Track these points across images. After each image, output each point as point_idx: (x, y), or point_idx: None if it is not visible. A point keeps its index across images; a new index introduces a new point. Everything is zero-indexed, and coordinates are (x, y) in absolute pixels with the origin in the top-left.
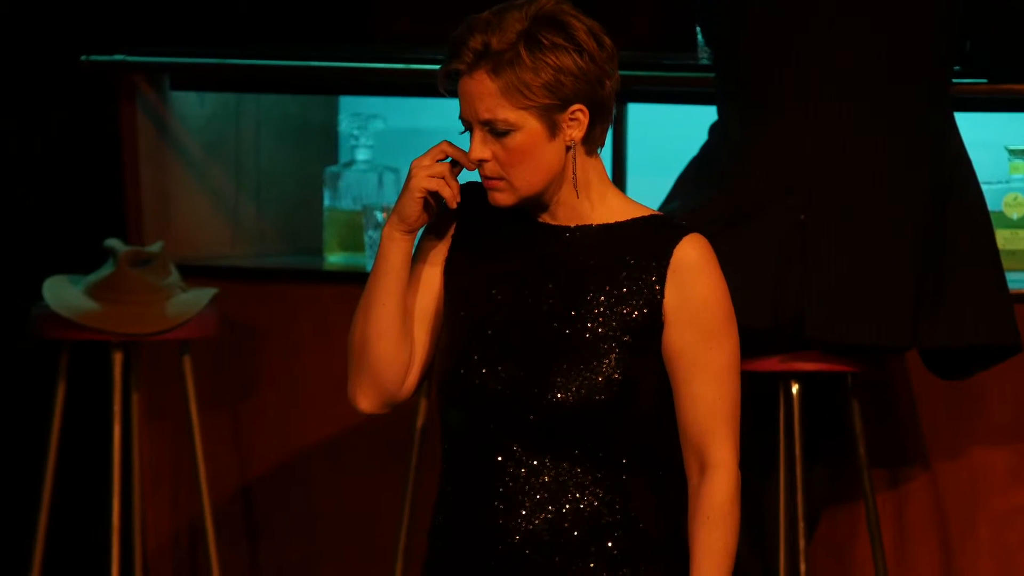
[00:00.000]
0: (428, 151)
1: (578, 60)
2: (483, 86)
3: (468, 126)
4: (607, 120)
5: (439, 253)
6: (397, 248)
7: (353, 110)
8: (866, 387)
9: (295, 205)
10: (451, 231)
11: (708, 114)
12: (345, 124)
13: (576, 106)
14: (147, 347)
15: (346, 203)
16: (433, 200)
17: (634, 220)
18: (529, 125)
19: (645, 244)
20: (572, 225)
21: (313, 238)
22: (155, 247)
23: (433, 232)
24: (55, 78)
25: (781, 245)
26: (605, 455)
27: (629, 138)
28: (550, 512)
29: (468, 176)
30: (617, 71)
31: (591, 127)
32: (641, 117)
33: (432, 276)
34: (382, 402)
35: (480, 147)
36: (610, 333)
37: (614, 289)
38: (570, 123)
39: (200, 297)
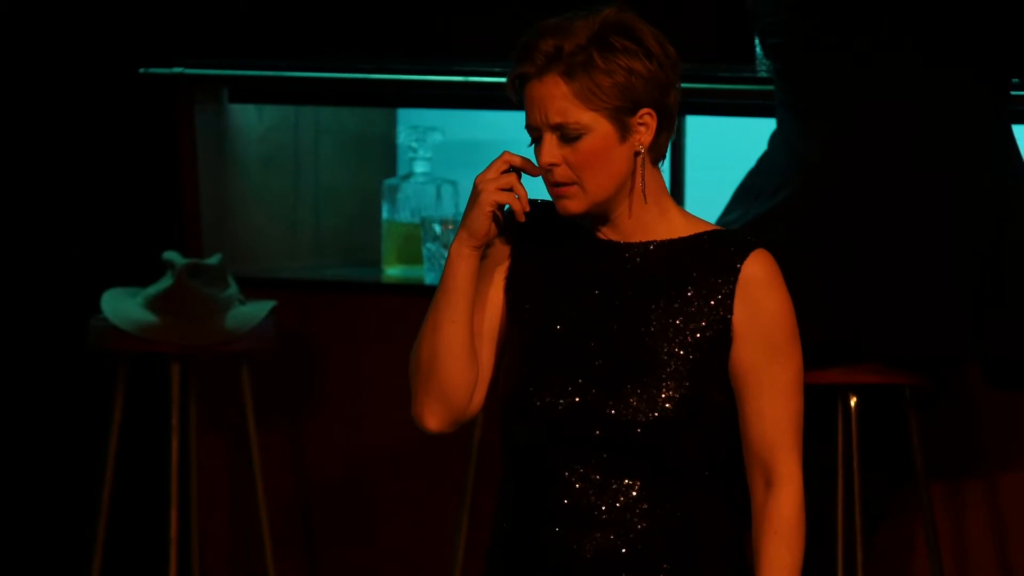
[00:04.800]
0: (492, 164)
1: (648, 64)
2: (556, 89)
3: (536, 134)
4: (671, 130)
5: (500, 271)
6: (466, 265)
7: (411, 122)
8: (924, 399)
9: (353, 217)
10: (510, 248)
11: (766, 126)
12: (403, 136)
13: (645, 110)
14: (205, 360)
15: (404, 216)
16: (500, 213)
17: (698, 235)
18: (601, 127)
19: (711, 260)
20: (635, 241)
21: (371, 251)
22: (213, 259)
23: (492, 250)
24: (114, 90)
25: (841, 257)
26: (672, 472)
27: (687, 150)
28: (617, 530)
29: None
30: (680, 82)
31: (657, 134)
32: (700, 129)
33: (494, 294)
34: (450, 421)
35: (551, 151)
36: (678, 350)
37: (681, 306)
38: (639, 128)
39: (258, 310)
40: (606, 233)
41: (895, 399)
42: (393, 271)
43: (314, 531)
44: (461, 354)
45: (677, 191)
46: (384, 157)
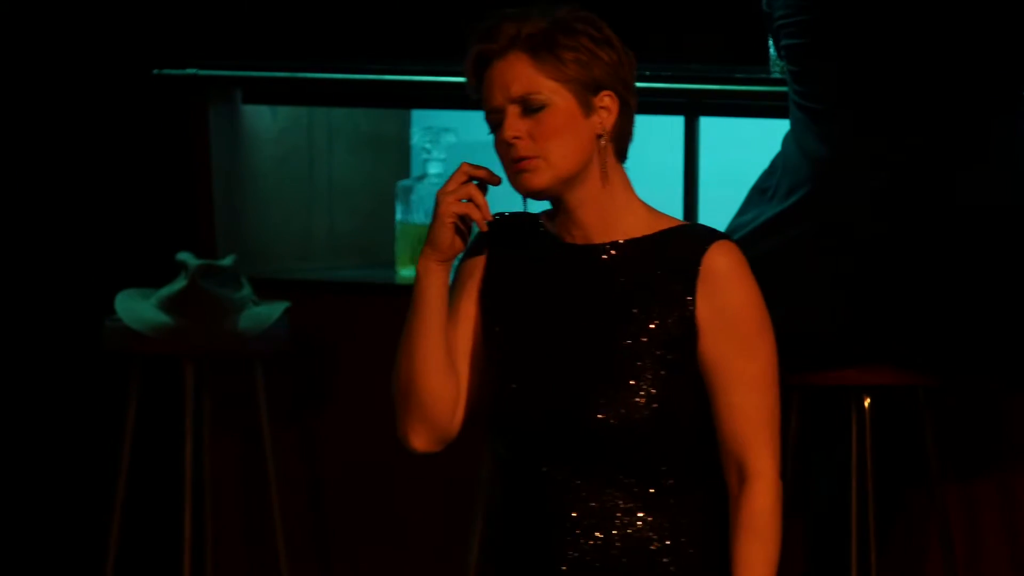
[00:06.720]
0: (451, 177)
1: (608, 51)
2: (519, 63)
3: (498, 117)
4: (631, 124)
5: (472, 285)
6: (435, 279)
7: (425, 123)
8: (938, 400)
9: (367, 219)
10: (482, 262)
11: (780, 127)
12: (417, 137)
13: (607, 92)
14: (219, 361)
15: (418, 217)
16: (464, 225)
17: (662, 232)
18: (563, 99)
19: (674, 256)
20: (601, 242)
21: (385, 252)
22: (227, 261)
23: (463, 264)
24: (127, 92)
25: (855, 258)
26: (652, 475)
27: (701, 152)
28: (599, 537)
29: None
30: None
31: (619, 123)
32: (713, 130)
33: (468, 308)
34: (435, 439)
35: (515, 124)
36: (647, 349)
37: (647, 304)
38: (600, 110)
39: (272, 311)
40: (573, 235)
41: (908, 401)
42: (407, 272)
43: (328, 532)
44: (440, 370)
45: (691, 191)
46: (398, 158)
